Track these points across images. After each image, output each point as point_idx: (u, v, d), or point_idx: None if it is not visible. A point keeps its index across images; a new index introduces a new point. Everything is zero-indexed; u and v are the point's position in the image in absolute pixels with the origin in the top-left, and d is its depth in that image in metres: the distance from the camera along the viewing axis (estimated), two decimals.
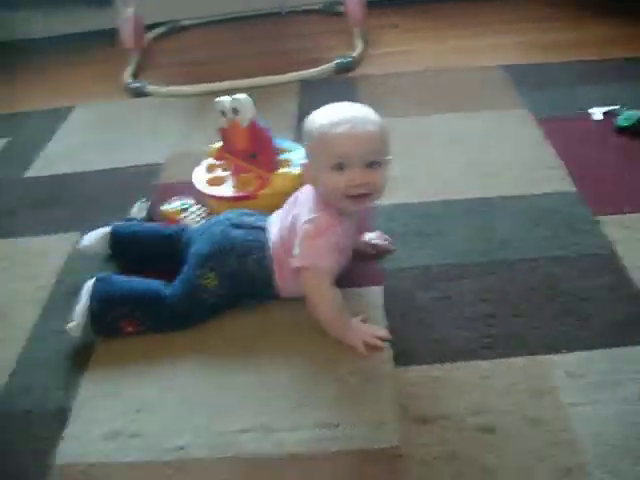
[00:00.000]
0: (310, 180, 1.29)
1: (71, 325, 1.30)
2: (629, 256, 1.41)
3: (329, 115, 1.24)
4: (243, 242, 1.32)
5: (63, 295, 1.43)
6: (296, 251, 1.25)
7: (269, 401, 1.17)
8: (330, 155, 1.21)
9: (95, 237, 1.49)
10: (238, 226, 1.35)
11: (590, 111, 1.96)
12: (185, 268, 1.36)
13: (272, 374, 1.22)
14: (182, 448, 1.10)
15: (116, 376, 1.25)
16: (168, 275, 1.37)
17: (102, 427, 1.15)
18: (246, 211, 1.43)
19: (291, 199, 1.38)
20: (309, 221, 1.25)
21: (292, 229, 1.29)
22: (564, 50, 2.40)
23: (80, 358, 1.29)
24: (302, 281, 1.26)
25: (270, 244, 1.33)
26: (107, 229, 1.49)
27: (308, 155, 1.29)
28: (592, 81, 2.15)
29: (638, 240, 1.45)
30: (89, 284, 1.33)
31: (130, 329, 1.32)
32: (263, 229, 1.36)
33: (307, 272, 1.25)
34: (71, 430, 1.15)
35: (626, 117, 1.86)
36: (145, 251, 1.47)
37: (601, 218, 1.52)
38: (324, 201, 1.27)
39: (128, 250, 1.49)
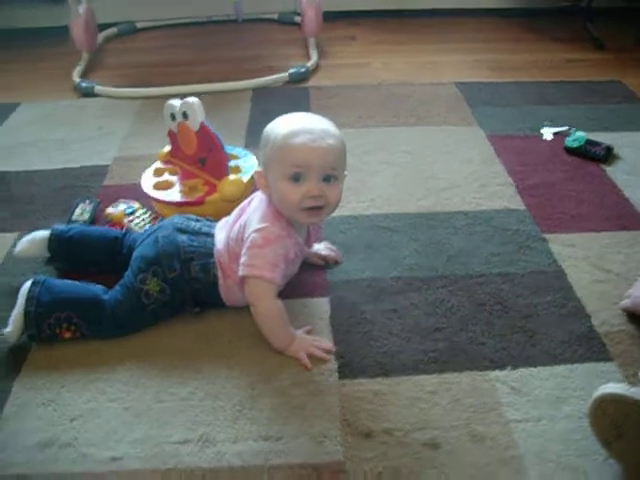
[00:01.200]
0: (263, 188, 1.26)
1: (7, 330, 1.24)
2: (575, 274, 1.43)
3: (290, 124, 1.21)
4: (188, 247, 1.29)
5: None
6: (242, 260, 1.23)
7: (209, 412, 1.14)
8: (288, 164, 1.18)
9: (30, 241, 1.42)
10: (184, 231, 1.32)
11: (541, 131, 1.98)
12: (127, 273, 1.31)
13: (213, 384, 1.19)
14: (117, 459, 1.06)
15: (50, 383, 1.20)
16: (109, 280, 1.33)
17: (33, 436, 1.10)
18: (192, 216, 1.39)
19: (241, 206, 1.35)
20: (258, 230, 1.22)
21: (239, 237, 1.26)
22: (517, 71, 2.44)
23: (12, 363, 1.24)
24: (246, 290, 1.24)
25: (215, 251, 1.29)
26: (45, 232, 1.43)
27: (264, 163, 1.25)
28: (543, 102, 2.19)
29: (584, 259, 1.47)
30: (25, 287, 1.28)
31: (68, 335, 1.26)
32: (209, 235, 1.33)
33: (251, 282, 1.22)
34: None
35: (575, 138, 1.89)
36: (86, 255, 1.42)
37: (549, 236, 1.54)
38: (275, 211, 1.24)
39: (68, 253, 1.42)
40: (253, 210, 1.28)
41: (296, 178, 1.19)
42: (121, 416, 1.13)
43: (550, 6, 2.85)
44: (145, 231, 1.42)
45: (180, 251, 1.28)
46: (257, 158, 1.30)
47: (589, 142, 1.87)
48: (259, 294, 1.23)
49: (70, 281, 1.32)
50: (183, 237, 1.30)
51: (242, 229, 1.26)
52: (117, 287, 1.30)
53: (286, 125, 1.21)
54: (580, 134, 1.90)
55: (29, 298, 1.25)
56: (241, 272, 1.23)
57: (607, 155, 1.83)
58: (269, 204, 1.25)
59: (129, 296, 1.28)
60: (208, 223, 1.37)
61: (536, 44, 2.69)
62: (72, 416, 1.13)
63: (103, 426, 1.12)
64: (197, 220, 1.37)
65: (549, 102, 2.18)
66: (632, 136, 1.96)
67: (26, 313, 1.24)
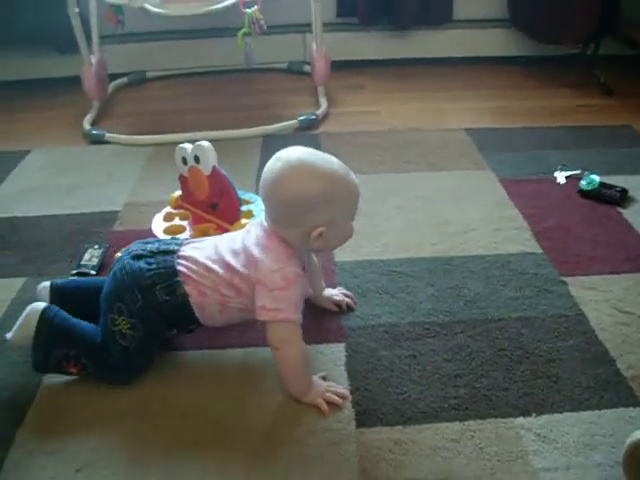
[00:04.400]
0: (317, 245, 1.18)
1: (9, 336, 1.24)
2: (596, 317, 1.39)
3: (335, 167, 1.17)
4: (146, 272, 1.21)
5: (2, 343, 1.32)
6: (261, 303, 1.17)
7: (221, 461, 1.09)
8: (355, 204, 1.21)
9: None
10: (140, 257, 1.24)
11: (554, 174, 1.97)
12: (100, 319, 1.25)
13: (225, 433, 1.15)
14: None
15: (55, 431, 1.16)
16: None
17: None
18: (152, 239, 1.33)
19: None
20: (276, 271, 1.16)
21: (246, 265, 1.19)
22: (526, 117, 2.44)
23: (16, 409, 1.20)
24: (270, 335, 1.19)
25: (180, 268, 1.21)
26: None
27: (330, 221, 1.16)
28: (554, 147, 2.17)
29: (605, 301, 1.44)
30: (38, 306, 1.24)
31: (74, 370, 1.23)
32: (168, 252, 1.24)
33: (278, 326, 1.18)
34: None
35: (589, 182, 1.87)
36: (87, 305, 1.32)
37: (567, 279, 1.51)
38: (288, 251, 1.19)
39: (69, 307, 1.32)
40: (257, 244, 1.20)
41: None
42: (128, 467, 1.09)
43: (556, 53, 2.86)
44: None
45: (139, 279, 1.21)
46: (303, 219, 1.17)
47: (603, 185, 1.85)
48: (288, 338, 1.18)
49: (81, 320, 1.27)
50: (140, 263, 1.23)
51: (247, 261, 1.20)
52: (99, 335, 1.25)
53: (344, 176, 1.17)
54: (594, 177, 1.88)
55: (43, 320, 1.22)
56: (265, 317, 1.17)
57: (622, 198, 1.81)
58: (280, 243, 1.19)
59: (109, 342, 1.22)
60: (168, 241, 1.30)
61: (544, 90, 2.69)
62: (78, 466, 1.09)
63: (110, 477, 1.07)
64: (155, 241, 1.30)
65: (560, 147, 2.17)
66: None
67: (37, 336, 1.21)
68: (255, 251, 1.20)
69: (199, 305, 1.22)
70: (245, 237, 1.24)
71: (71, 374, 1.24)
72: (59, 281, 1.39)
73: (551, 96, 2.63)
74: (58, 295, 1.35)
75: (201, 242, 1.29)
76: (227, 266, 1.21)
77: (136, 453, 1.11)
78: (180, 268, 1.22)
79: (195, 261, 1.22)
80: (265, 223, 1.22)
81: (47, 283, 1.37)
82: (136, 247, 1.28)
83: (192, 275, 1.21)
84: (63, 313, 1.25)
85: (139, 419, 1.18)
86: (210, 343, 1.33)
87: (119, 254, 1.54)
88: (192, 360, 1.30)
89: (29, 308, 1.25)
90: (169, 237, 1.34)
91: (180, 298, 1.21)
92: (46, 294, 1.35)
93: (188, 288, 1.21)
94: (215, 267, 1.21)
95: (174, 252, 1.24)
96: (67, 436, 1.15)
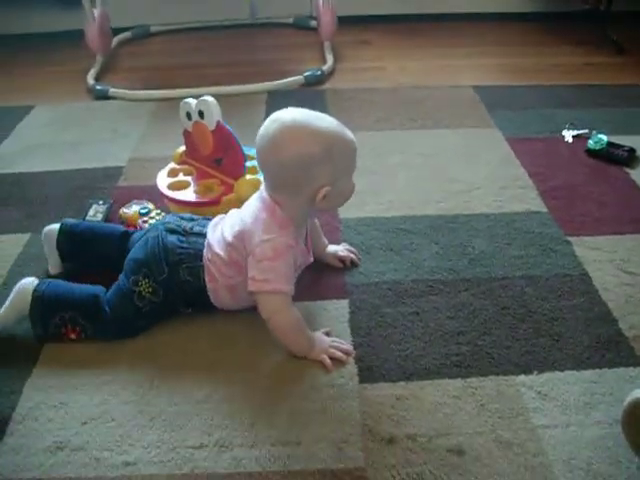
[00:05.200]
0: (323, 204, 1.18)
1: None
2: (600, 277, 1.39)
3: (330, 124, 1.16)
4: (176, 249, 1.24)
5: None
6: (251, 273, 1.18)
7: (225, 416, 1.11)
8: (354, 159, 1.20)
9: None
10: (174, 231, 1.27)
11: (562, 133, 1.95)
12: (121, 276, 1.28)
13: (229, 388, 1.16)
14: (130, 464, 1.03)
15: (61, 384, 1.17)
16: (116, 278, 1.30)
17: (44, 440, 1.07)
18: (187, 216, 1.35)
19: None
20: (266, 241, 1.16)
21: (239, 237, 1.21)
22: (535, 74, 2.41)
23: (23, 363, 1.21)
24: (260, 306, 1.19)
25: (204, 253, 1.24)
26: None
27: (334, 177, 1.16)
28: (562, 105, 2.15)
29: (609, 261, 1.44)
30: (25, 284, 1.27)
31: (73, 336, 1.25)
32: (201, 235, 1.27)
33: (266, 297, 1.19)
34: (10, 442, 1.07)
35: (596, 141, 1.85)
36: (96, 249, 1.39)
37: (572, 239, 1.51)
38: (282, 220, 1.18)
39: (78, 248, 1.40)
40: (252, 216, 1.21)
41: None
42: (134, 419, 1.11)
43: (568, 10, 2.81)
44: (141, 231, 1.39)
45: (168, 253, 1.24)
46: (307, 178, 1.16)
47: (611, 144, 1.83)
48: (276, 308, 1.19)
49: (72, 283, 1.30)
50: (172, 238, 1.26)
51: (241, 232, 1.21)
52: (112, 289, 1.27)
53: (340, 132, 1.17)
54: (602, 136, 1.86)
55: (35, 297, 1.24)
56: (252, 287, 1.18)
57: (630, 157, 1.80)
58: (274, 214, 1.19)
59: (123, 298, 1.25)
60: (203, 222, 1.32)
61: (554, 48, 2.65)
62: (84, 419, 1.11)
63: (116, 429, 1.09)
64: (191, 219, 1.33)
65: (568, 105, 2.15)
66: None
67: (32, 312, 1.24)
68: (249, 223, 1.21)
69: (213, 290, 1.25)
70: (244, 210, 1.26)
71: (72, 341, 1.25)
72: (70, 221, 1.42)
73: (560, 54, 2.60)
74: (68, 235, 1.39)
75: (219, 223, 1.30)
76: (226, 244, 1.23)
77: (141, 406, 1.13)
78: (205, 252, 1.25)
79: (208, 245, 1.25)
80: (265, 194, 1.22)
81: (55, 225, 1.40)
82: (172, 220, 1.31)
83: (207, 261, 1.24)
84: (54, 283, 1.28)
85: (144, 373, 1.19)
86: None
87: (124, 210, 1.55)
88: (199, 316, 1.30)
89: (17, 287, 1.27)
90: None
91: (201, 282, 1.24)
92: (53, 236, 1.39)
93: (206, 273, 1.24)
94: (218, 251, 1.24)
95: (206, 236, 1.27)
96: (74, 389, 1.16)
